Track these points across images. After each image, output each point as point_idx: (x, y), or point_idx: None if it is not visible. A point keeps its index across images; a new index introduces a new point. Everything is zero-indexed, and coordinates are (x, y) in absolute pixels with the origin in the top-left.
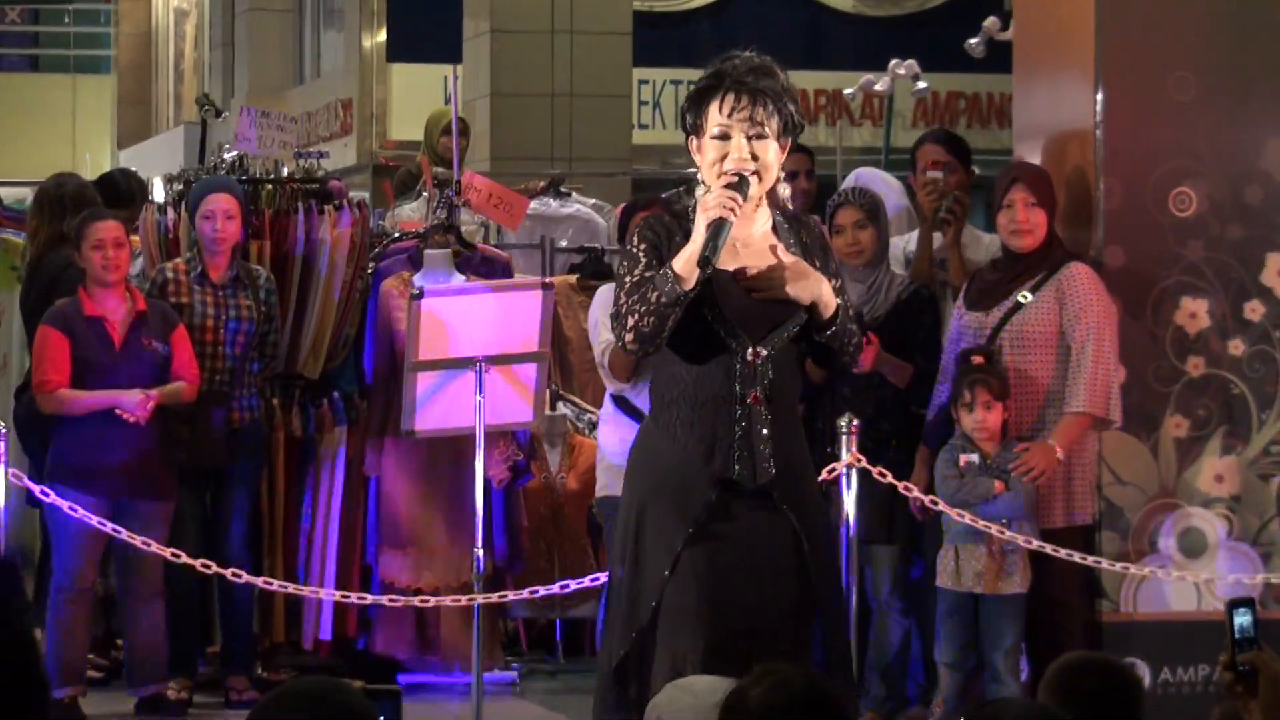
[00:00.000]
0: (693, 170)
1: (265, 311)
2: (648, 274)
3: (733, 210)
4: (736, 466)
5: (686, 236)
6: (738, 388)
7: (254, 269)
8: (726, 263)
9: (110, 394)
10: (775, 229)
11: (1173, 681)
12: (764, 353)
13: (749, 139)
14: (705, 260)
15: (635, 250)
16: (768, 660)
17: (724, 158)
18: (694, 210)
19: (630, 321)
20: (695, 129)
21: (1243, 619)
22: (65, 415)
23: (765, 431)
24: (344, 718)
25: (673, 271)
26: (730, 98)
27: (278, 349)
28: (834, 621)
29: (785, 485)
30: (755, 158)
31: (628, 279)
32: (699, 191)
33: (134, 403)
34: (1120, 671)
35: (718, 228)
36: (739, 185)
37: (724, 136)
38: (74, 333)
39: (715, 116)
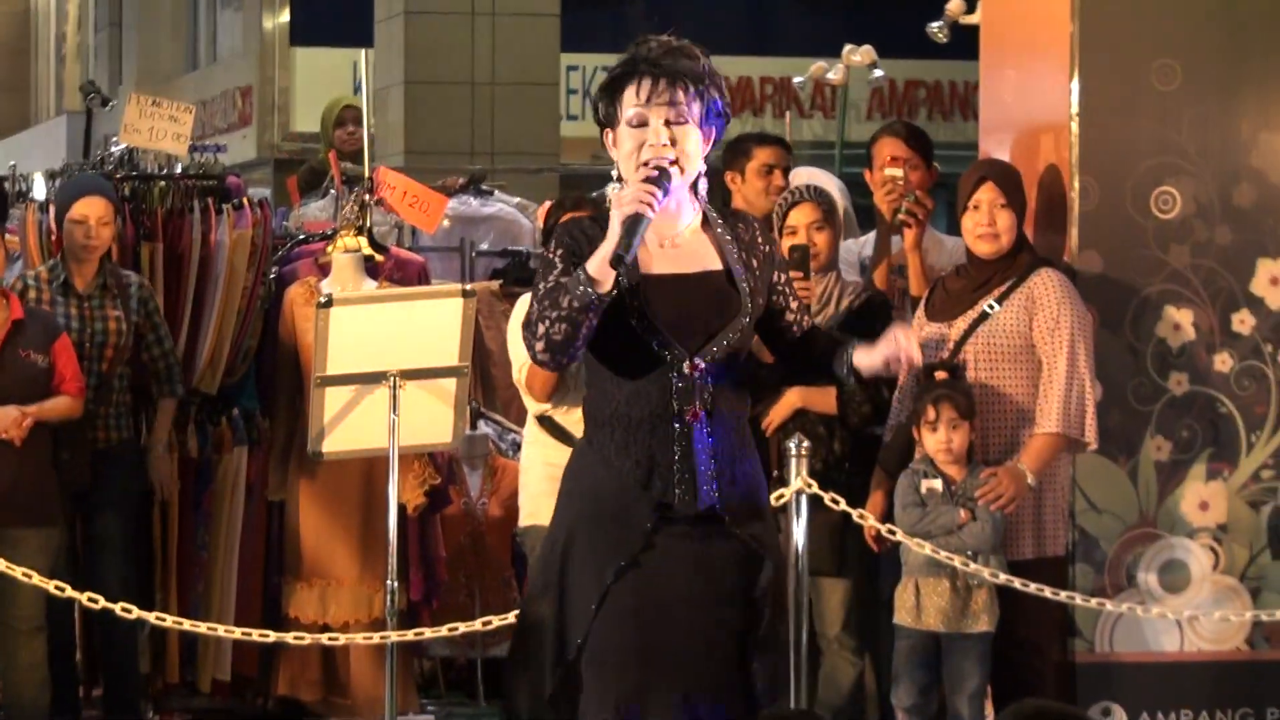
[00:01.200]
0: None
1: (139, 323)
2: (563, 280)
3: (649, 205)
4: (677, 491)
5: (603, 234)
6: (675, 404)
7: (125, 275)
8: (657, 266)
9: None
10: (707, 223)
11: None
12: (702, 364)
13: (668, 125)
14: (618, 259)
15: (552, 256)
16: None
17: (641, 147)
18: (606, 207)
19: (541, 330)
20: (610, 119)
21: None
22: None
23: (708, 451)
24: None
25: (585, 274)
26: (646, 82)
27: (171, 367)
28: (776, 655)
29: (734, 508)
30: (675, 144)
31: (541, 285)
32: (611, 188)
33: (9, 421)
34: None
35: (633, 223)
36: (657, 178)
37: (640, 124)
38: None
39: (630, 102)
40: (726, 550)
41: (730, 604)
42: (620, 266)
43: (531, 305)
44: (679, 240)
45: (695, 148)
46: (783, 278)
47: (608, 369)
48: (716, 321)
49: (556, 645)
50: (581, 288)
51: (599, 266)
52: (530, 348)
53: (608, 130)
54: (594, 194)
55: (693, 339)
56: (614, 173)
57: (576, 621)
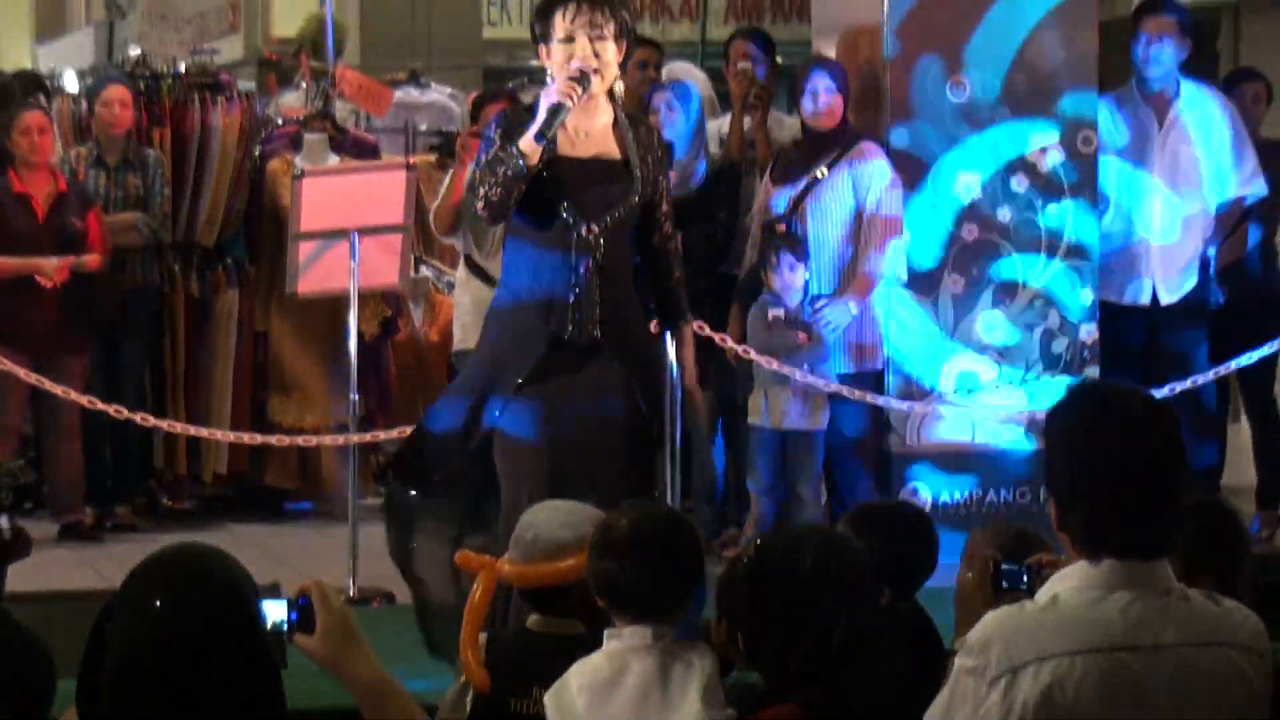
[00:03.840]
0: (535, 62)
1: (151, 185)
2: (500, 154)
3: (570, 96)
4: (570, 327)
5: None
6: (573, 258)
7: (145, 151)
8: (570, 150)
9: (30, 261)
10: (616, 124)
11: (951, 503)
12: (596, 229)
13: (591, 41)
14: (540, 136)
15: (493, 136)
16: (606, 489)
17: (570, 59)
18: (539, 100)
19: (482, 192)
20: (544, 37)
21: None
22: None
23: (596, 297)
24: (210, 585)
25: (517, 149)
26: (573, 7)
27: (159, 212)
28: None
29: (615, 340)
30: (597, 57)
31: (483, 156)
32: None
33: (51, 268)
34: (911, 512)
35: (555, 110)
36: (581, 79)
37: (569, 40)
38: (3, 206)
39: (561, 24)
40: (607, 375)
41: (616, 415)
42: (542, 142)
43: (474, 174)
44: (591, 132)
45: (612, 58)
46: (663, 182)
47: (524, 227)
48: (612, 197)
49: (461, 435)
50: (515, 160)
51: (527, 142)
52: (473, 206)
53: (541, 45)
54: (509, 85)
55: (592, 208)
56: (549, 79)
57: (480, 421)
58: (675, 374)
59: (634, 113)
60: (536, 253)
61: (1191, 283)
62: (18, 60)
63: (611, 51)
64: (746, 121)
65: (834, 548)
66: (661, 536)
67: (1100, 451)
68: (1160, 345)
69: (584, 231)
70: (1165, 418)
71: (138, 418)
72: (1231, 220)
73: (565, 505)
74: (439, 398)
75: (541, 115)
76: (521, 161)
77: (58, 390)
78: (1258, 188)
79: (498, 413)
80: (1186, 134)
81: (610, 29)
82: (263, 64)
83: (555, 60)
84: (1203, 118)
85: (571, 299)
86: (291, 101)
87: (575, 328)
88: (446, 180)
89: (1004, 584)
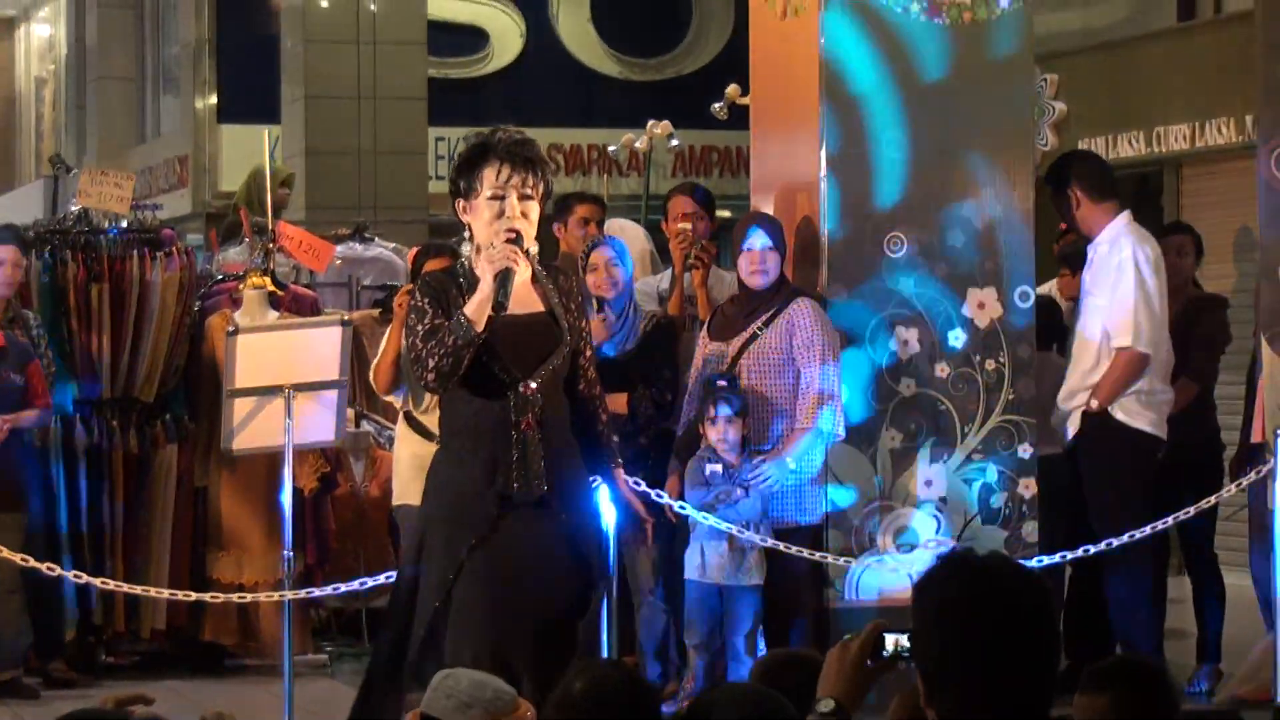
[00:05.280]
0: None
1: (35, 345)
2: (438, 321)
3: (515, 260)
4: (515, 485)
5: (459, 288)
6: (513, 416)
7: (25, 312)
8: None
9: None
10: (535, 278)
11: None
12: (534, 385)
13: (519, 201)
14: (500, 305)
15: (422, 304)
16: (552, 646)
17: (500, 216)
18: (469, 264)
19: (431, 363)
20: (468, 192)
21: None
22: None
23: (539, 452)
24: None
25: (465, 317)
26: (506, 167)
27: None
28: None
29: (560, 495)
30: (524, 217)
31: (419, 327)
32: (467, 249)
33: None
34: (816, 664)
35: (504, 276)
36: (516, 239)
37: (497, 198)
38: None
39: (490, 182)
40: (556, 527)
41: (562, 569)
42: (501, 311)
43: (414, 345)
44: (514, 288)
45: (535, 218)
46: (586, 325)
47: (461, 389)
48: (543, 351)
49: (415, 609)
50: (464, 329)
51: (477, 311)
52: (421, 378)
53: (460, 199)
54: (453, 239)
55: (526, 366)
56: (465, 234)
57: (434, 590)
58: (618, 521)
59: (546, 263)
60: (475, 411)
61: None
62: None
63: (535, 212)
64: (687, 278)
65: (762, 707)
66: (618, 696)
67: (972, 631)
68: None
69: (522, 389)
70: (1040, 593)
71: (70, 575)
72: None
73: (467, 678)
74: (398, 575)
75: (487, 283)
76: (473, 329)
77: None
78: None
79: (451, 575)
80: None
81: (539, 190)
82: (210, 217)
83: (479, 216)
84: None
85: (515, 456)
86: (235, 257)
87: (521, 484)
88: (386, 336)
89: (884, 653)
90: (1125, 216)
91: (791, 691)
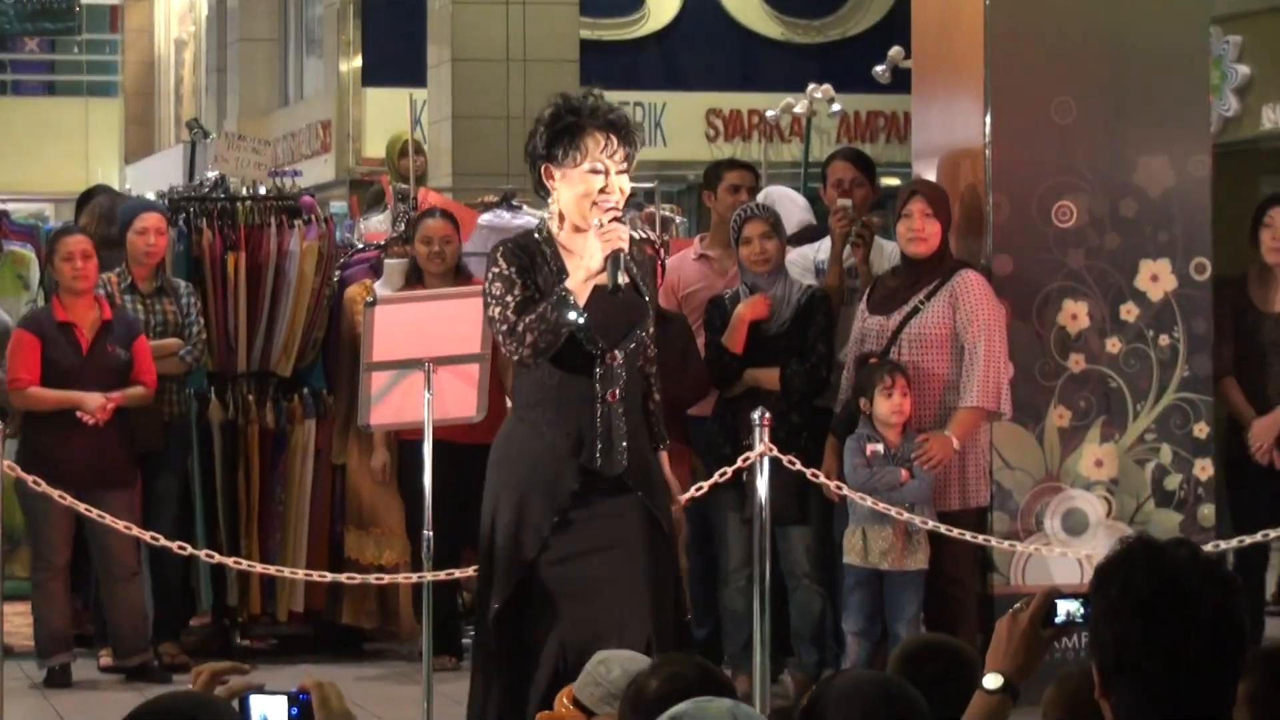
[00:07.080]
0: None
1: (185, 314)
2: (529, 293)
3: (625, 242)
4: (599, 458)
5: (543, 256)
6: (599, 388)
7: (175, 281)
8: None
9: (73, 395)
10: None
11: (1056, 647)
12: (620, 356)
13: (618, 174)
14: (617, 287)
15: (508, 272)
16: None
17: (598, 190)
18: (547, 230)
19: (529, 339)
20: (563, 158)
21: (1070, 606)
22: (34, 412)
23: (622, 426)
24: None
25: (569, 293)
26: (610, 139)
27: (198, 341)
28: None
29: (637, 472)
30: (621, 191)
31: (509, 298)
32: (553, 225)
33: (94, 405)
34: (958, 651)
35: (616, 259)
36: (620, 218)
37: (597, 172)
38: (45, 336)
39: (592, 152)
40: (633, 505)
41: (640, 547)
42: (617, 293)
43: (508, 316)
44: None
45: (628, 190)
46: (655, 302)
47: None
48: (630, 323)
49: (497, 583)
50: (569, 310)
51: (582, 289)
52: (516, 352)
53: (549, 164)
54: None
55: (613, 336)
56: (551, 205)
57: (514, 566)
58: (763, 507)
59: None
60: (559, 383)
61: None
62: (107, 180)
63: (628, 184)
64: (846, 251)
65: (890, 697)
66: (694, 694)
67: (1155, 624)
68: None
69: (608, 360)
70: (1227, 587)
71: (201, 554)
72: None
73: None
74: (480, 548)
75: (598, 263)
76: (574, 313)
77: (120, 525)
78: None
79: (533, 554)
80: None
81: (633, 164)
82: (354, 184)
83: (576, 188)
84: None
85: (600, 429)
86: (376, 225)
87: (604, 459)
88: None
89: (1055, 620)
90: None
91: (932, 681)
